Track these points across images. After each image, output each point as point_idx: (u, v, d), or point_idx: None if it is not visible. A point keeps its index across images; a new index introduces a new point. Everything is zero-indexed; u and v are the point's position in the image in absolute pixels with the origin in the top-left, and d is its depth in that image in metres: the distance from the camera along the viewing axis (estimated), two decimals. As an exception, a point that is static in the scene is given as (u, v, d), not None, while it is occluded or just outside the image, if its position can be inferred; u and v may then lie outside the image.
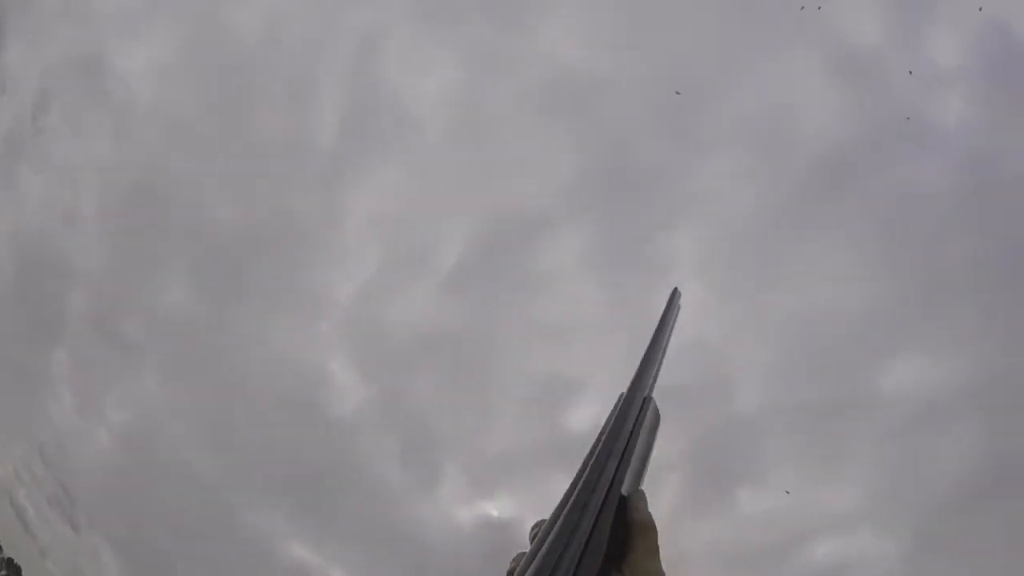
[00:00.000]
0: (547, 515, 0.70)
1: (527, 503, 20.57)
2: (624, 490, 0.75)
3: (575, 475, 0.74)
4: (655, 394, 0.98)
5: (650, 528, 0.72)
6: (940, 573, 21.37)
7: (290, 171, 23.20)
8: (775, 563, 21.06)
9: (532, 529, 0.73)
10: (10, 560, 23.61)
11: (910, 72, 19.82)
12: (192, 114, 23.78)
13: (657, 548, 0.72)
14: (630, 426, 0.82)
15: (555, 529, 0.63)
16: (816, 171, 19.55)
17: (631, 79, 21.06)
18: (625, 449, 0.78)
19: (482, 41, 21.37)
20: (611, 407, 0.84)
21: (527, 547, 0.66)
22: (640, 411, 0.88)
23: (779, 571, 21.00)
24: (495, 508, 20.65)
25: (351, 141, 21.36)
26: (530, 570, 0.59)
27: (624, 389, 0.88)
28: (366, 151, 21.16)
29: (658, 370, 1.34)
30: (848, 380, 19.76)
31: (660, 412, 1.03)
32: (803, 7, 17.99)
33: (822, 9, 21.17)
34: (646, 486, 0.83)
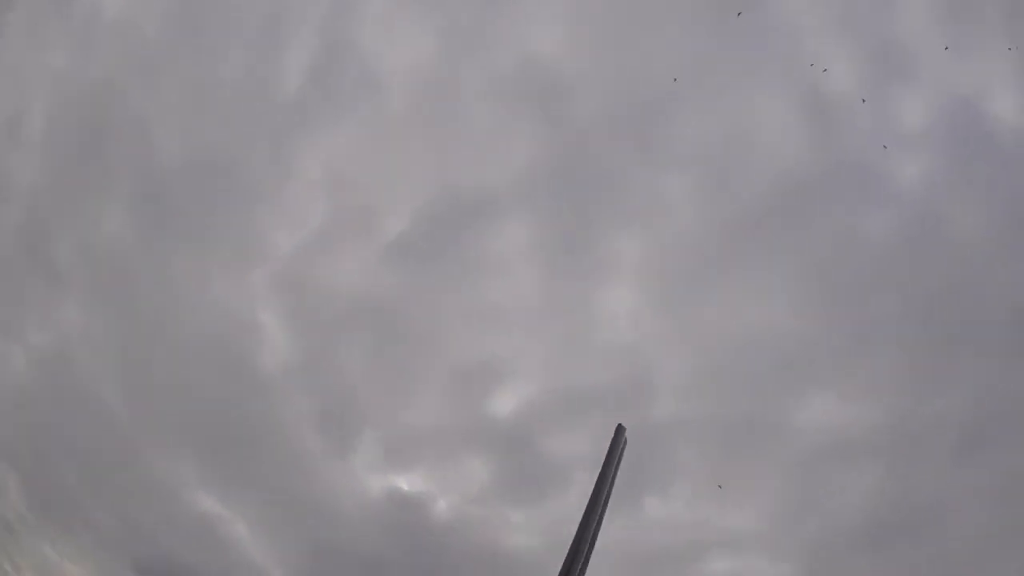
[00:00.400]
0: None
1: (438, 481, 20.65)
2: None
3: None
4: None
5: None
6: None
7: (247, 115, 22.55)
8: (673, 570, 21.67)
9: None
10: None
11: (863, 100, 20.51)
12: (157, 38, 22.85)
13: None
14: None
15: None
16: (767, 201, 20.10)
17: (605, 81, 21.21)
18: None
19: (462, 20, 21.20)
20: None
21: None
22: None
23: (676, 578, 21.63)
24: (406, 482, 20.68)
25: (314, 95, 20.90)
26: None
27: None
28: (328, 108, 20.75)
29: (604, 508, 1.44)
30: (764, 405, 20.42)
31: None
32: (740, 12, 18.39)
33: (800, 46, 21.78)
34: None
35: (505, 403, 20.40)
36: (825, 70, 21.15)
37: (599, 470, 3.05)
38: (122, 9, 22.66)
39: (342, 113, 21.35)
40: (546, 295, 19.91)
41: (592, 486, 3.05)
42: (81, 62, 23.39)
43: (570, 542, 2.77)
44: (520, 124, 20.28)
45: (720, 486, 21.03)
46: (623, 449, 3.27)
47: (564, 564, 2.69)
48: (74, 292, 24.00)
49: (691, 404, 20.36)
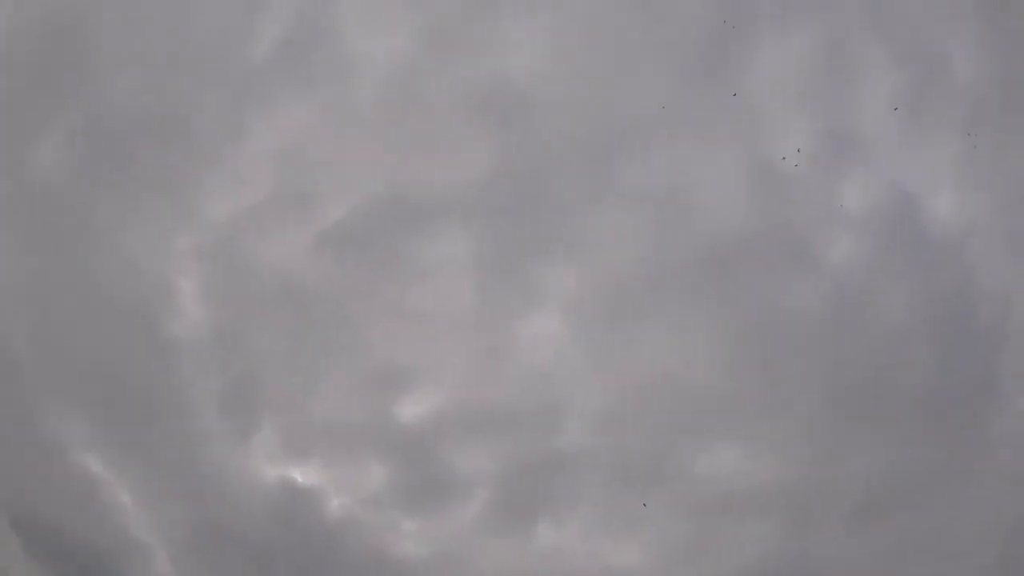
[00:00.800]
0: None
1: (334, 478, 20.26)
2: None
3: None
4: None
5: None
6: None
7: (212, 76, 21.97)
8: (559, 605, 21.85)
9: None
10: None
11: (783, 158, 21.60)
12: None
13: None
14: None
15: None
16: (702, 254, 20.83)
17: (572, 110, 21.63)
18: None
19: (445, 22, 21.30)
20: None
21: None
22: None
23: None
24: (301, 474, 20.21)
25: (280, 65, 20.55)
26: None
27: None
28: (291, 81, 20.44)
29: None
30: (670, 448, 20.93)
31: None
32: (734, 93, 19.27)
33: (755, 111, 22.74)
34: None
35: (414, 409, 20.26)
36: (784, 158, 22.20)
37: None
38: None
39: (306, 92, 21.03)
40: (473, 309, 20.00)
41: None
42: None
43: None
44: (480, 136, 20.44)
45: (644, 504, 21.39)
46: None
47: None
48: (-7, 222, 22.69)
49: (598, 438, 20.71)
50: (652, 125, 21.67)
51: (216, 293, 19.50)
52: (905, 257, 24.16)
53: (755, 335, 22.69)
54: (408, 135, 20.54)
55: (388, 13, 21.14)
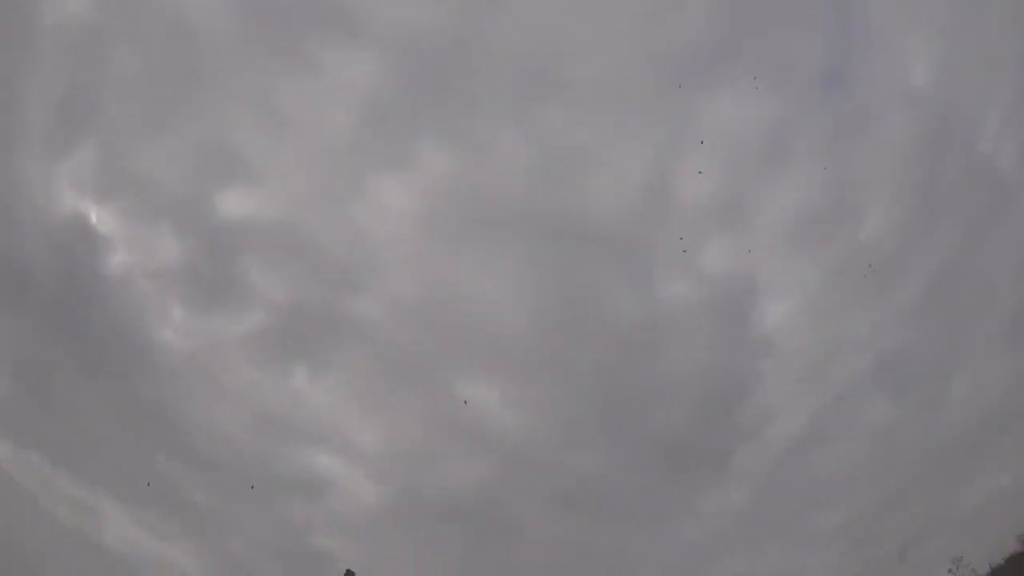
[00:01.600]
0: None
1: (129, 235, 19.31)
2: None
3: None
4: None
5: None
6: None
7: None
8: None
9: None
10: None
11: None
12: None
13: None
14: None
15: None
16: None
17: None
18: None
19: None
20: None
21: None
22: None
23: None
24: (97, 217, 19.94)
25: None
26: None
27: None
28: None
29: None
30: (434, 368, 23.00)
31: None
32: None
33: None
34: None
35: (237, 204, 20.94)
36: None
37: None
38: None
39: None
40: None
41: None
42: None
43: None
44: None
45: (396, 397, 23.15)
46: None
47: None
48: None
49: (387, 322, 21.61)
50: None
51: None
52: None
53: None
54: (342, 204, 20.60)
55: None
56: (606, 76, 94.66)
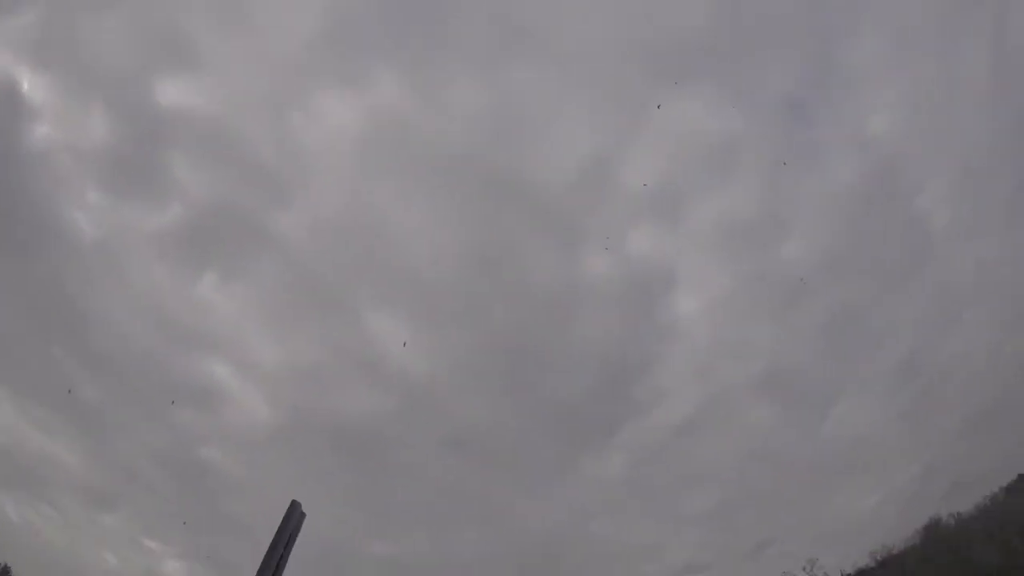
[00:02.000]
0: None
1: (60, 108, 18.09)
2: None
3: None
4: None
5: None
6: None
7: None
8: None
9: None
10: None
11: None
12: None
13: None
14: None
15: None
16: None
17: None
18: None
19: None
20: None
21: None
22: None
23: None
24: (30, 83, 18.00)
25: None
26: None
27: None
28: None
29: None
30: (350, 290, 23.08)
31: None
32: None
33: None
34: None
35: (177, 93, 19.46)
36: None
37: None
38: None
39: None
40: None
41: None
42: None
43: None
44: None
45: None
46: (298, 524, 3.56)
47: None
48: None
49: (304, 247, 21.36)
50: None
51: None
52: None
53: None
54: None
55: None
56: (581, 50, 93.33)
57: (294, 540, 3.24)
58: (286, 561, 3.12)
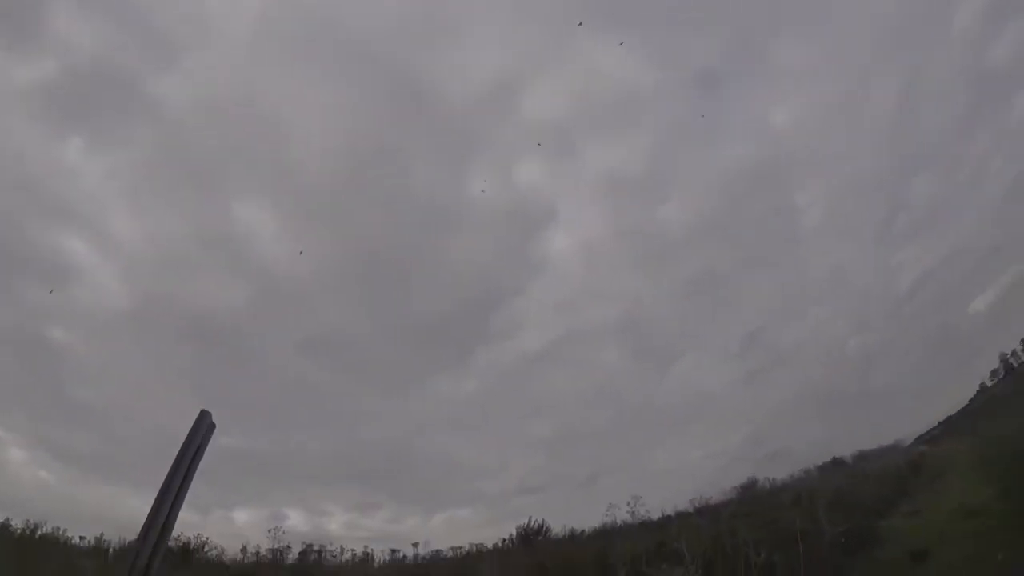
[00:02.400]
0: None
1: None
2: None
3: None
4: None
5: None
6: None
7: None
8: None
9: None
10: None
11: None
12: None
13: None
14: None
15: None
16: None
17: None
18: None
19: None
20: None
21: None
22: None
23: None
24: None
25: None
26: None
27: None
28: None
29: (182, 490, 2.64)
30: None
31: None
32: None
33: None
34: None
35: None
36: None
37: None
38: None
39: None
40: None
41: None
42: None
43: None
44: None
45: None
46: (207, 435, 3.11)
47: (139, 537, 2.80)
48: None
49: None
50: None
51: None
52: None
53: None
54: None
55: None
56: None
57: (202, 453, 2.85)
58: (192, 477, 2.77)
